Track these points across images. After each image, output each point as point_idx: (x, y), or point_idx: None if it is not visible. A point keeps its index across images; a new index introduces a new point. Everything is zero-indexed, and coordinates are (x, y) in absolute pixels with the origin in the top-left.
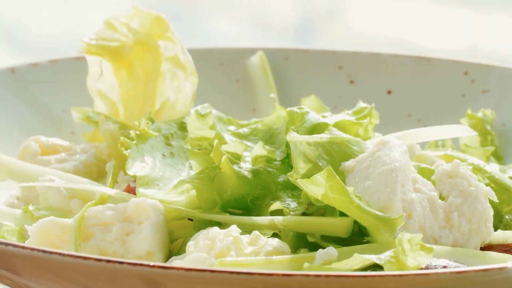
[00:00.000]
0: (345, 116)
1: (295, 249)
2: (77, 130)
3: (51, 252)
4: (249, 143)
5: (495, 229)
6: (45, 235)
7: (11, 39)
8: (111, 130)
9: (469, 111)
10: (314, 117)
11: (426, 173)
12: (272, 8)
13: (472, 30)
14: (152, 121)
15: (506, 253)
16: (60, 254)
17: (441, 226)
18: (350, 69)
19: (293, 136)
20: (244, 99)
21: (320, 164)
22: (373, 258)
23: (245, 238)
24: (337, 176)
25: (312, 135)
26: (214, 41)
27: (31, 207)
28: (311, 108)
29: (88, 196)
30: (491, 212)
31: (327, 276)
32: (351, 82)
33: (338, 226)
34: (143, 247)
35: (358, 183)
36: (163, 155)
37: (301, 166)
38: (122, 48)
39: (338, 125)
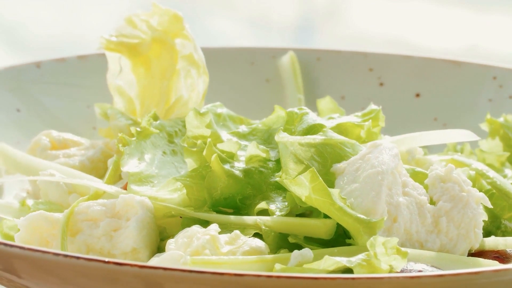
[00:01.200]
0: (352, 118)
1: (276, 250)
2: (98, 126)
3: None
4: (247, 143)
5: (492, 235)
6: (35, 229)
7: (11, 39)
8: (120, 126)
9: (488, 116)
10: (312, 118)
11: (420, 177)
12: (272, 8)
13: (472, 30)
14: (156, 118)
15: (496, 259)
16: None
17: (429, 231)
18: (381, 71)
19: (282, 137)
20: (272, 99)
21: (311, 165)
22: (343, 261)
23: (225, 237)
24: (320, 178)
25: (305, 136)
26: (214, 41)
27: (28, 201)
28: (326, 110)
29: (86, 191)
30: (481, 218)
31: (278, 277)
32: (381, 84)
33: (319, 228)
34: (128, 243)
35: (346, 185)
36: (164, 152)
37: (291, 167)
38: (141, 45)
39: (340, 127)
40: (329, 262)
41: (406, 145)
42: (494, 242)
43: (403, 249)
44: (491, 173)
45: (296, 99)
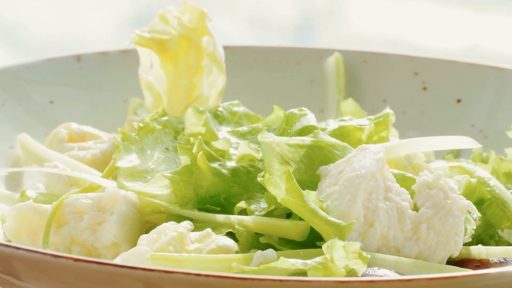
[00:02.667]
0: (364, 121)
1: (249, 250)
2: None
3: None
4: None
5: (485, 244)
6: (24, 219)
7: (11, 39)
8: (135, 121)
9: None
10: (307, 119)
11: (409, 183)
12: (272, 8)
13: (472, 30)
14: (164, 114)
15: (477, 268)
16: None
17: (408, 237)
18: (425, 76)
19: (265, 137)
20: (314, 99)
21: (297, 166)
22: (298, 263)
23: (196, 235)
24: (294, 179)
25: (293, 137)
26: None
27: (29, 192)
28: (348, 112)
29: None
30: (462, 226)
31: (206, 276)
32: (424, 88)
33: (291, 229)
34: (109, 237)
35: (327, 187)
36: (166, 148)
37: (276, 167)
38: (170, 41)
39: (342, 130)
40: (284, 264)
41: (406, 151)
42: (476, 251)
43: (364, 253)
44: (492, 182)
45: (335, 101)
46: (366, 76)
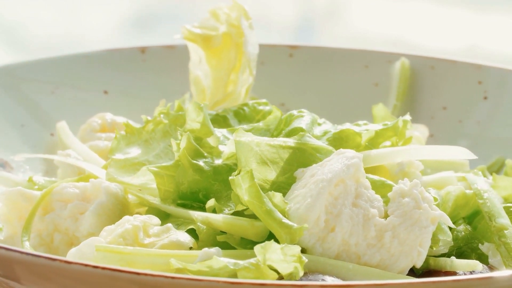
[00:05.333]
0: (378, 126)
1: (209, 247)
2: None
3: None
4: None
5: (465, 257)
6: (14, 204)
7: (11, 39)
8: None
9: None
10: (301, 121)
11: (388, 190)
12: (272, 8)
13: (472, 30)
14: (180, 109)
15: None
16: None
17: (370, 244)
18: (489, 85)
19: (241, 135)
20: (374, 103)
21: (275, 167)
22: (230, 263)
23: (156, 229)
24: (255, 180)
25: (276, 138)
26: None
27: (37, 178)
28: (378, 116)
29: (92, 174)
30: (428, 237)
31: (120, 271)
32: (485, 98)
33: (247, 229)
34: (85, 227)
35: (296, 190)
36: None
37: (253, 167)
38: (215, 37)
39: (341, 134)
40: (216, 263)
41: (401, 158)
42: (444, 263)
43: (304, 257)
44: (487, 195)
45: (392, 105)
46: (430, 82)
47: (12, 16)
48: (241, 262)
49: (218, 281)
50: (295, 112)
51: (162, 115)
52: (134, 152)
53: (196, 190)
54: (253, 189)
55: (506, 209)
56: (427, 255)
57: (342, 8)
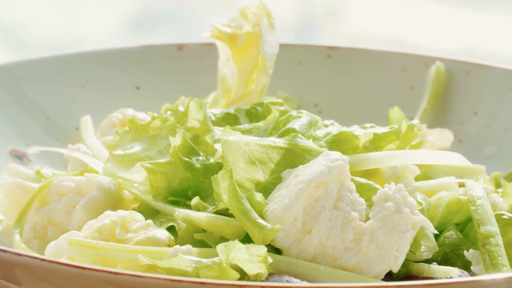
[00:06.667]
0: (382, 129)
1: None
2: None
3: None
4: None
5: (450, 264)
6: (13, 196)
7: (11, 39)
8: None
9: None
10: (297, 122)
11: (373, 194)
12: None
13: (472, 30)
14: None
15: None
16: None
17: (348, 248)
18: None
19: (229, 134)
20: (408, 106)
21: (262, 167)
22: (192, 261)
23: (136, 225)
24: (233, 179)
25: (267, 138)
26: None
27: (44, 171)
28: (394, 119)
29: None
30: (406, 242)
31: (73, 266)
32: None
33: (223, 227)
34: (75, 220)
35: (278, 190)
36: None
37: (240, 166)
38: (241, 36)
39: (340, 136)
40: (180, 261)
41: (395, 162)
42: (421, 268)
43: (269, 258)
44: (481, 201)
45: (422, 109)
46: (464, 87)
47: (12, 16)
48: (204, 260)
49: (159, 278)
50: (294, 112)
51: (169, 112)
52: (136, 148)
53: (187, 187)
54: (231, 188)
55: (498, 216)
56: (409, 260)
57: (342, 8)
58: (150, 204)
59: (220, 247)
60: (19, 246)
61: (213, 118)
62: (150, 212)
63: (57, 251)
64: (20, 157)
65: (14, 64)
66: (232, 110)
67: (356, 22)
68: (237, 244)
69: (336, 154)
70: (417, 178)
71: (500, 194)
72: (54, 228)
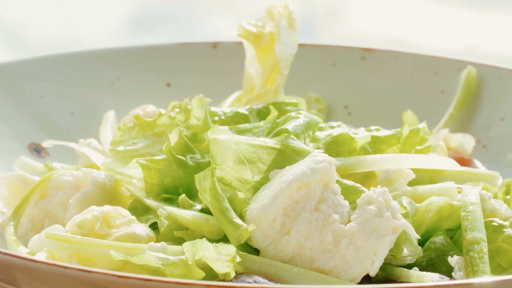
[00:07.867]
0: (385, 132)
1: (170, 242)
2: None
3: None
4: None
5: (437, 269)
6: (15, 189)
7: (11, 39)
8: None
9: None
10: (295, 122)
11: (359, 196)
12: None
13: (472, 30)
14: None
15: None
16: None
17: (326, 250)
18: None
19: (217, 132)
20: (437, 110)
21: (251, 167)
22: (159, 257)
23: (119, 221)
24: (214, 177)
25: (257, 138)
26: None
27: (54, 164)
28: (405, 122)
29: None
30: (385, 246)
31: (36, 261)
32: None
33: (201, 225)
34: (69, 215)
35: (262, 190)
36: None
37: (229, 165)
38: (264, 36)
39: (339, 137)
40: (147, 257)
41: (389, 165)
42: (398, 273)
43: (237, 257)
44: (472, 208)
45: (448, 114)
46: (494, 92)
47: (12, 16)
48: (171, 258)
49: (106, 274)
50: (293, 113)
51: (176, 109)
52: (139, 144)
53: (179, 185)
54: (211, 186)
55: (488, 223)
56: (391, 264)
57: (342, 8)
58: (142, 200)
59: (186, 245)
60: (10, 238)
61: (223, 117)
62: (142, 209)
63: (39, 244)
64: (38, 151)
65: (37, 59)
66: (243, 110)
67: (356, 22)
68: (204, 242)
69: (321, 156)
70: (421, 183)
71: (508, 200)
72: (50, 221)
